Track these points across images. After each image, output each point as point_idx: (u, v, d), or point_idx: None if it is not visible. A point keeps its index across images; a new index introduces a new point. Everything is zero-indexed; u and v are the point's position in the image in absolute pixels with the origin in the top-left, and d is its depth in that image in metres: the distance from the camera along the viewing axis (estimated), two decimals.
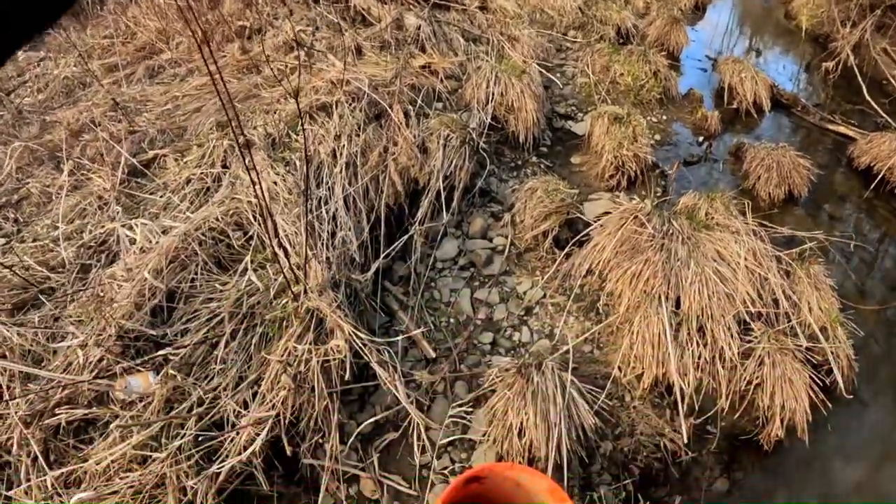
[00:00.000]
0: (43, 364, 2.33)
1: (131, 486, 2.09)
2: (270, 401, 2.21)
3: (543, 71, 4.49)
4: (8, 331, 2.35)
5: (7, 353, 2.32)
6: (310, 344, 2.28)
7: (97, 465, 2.10)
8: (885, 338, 3.46)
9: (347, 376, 2.33)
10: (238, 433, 2.18)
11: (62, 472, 2.10)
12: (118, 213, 2.76)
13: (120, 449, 2.10)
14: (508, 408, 2.33)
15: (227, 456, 2.15)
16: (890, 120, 4.75)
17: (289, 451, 2.23)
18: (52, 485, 2.09)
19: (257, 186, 1.96)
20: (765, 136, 4.80)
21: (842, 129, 4.88)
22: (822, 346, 2.88)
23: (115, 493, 2.09)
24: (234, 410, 2.21)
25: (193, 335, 2.40)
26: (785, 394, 2.74)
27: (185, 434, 2.15)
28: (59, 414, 2.18)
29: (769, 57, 6.51)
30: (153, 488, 2.12)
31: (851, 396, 2.98)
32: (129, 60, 4.24)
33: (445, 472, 2.39)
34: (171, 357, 2.32)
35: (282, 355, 2.26)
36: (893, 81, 5.32)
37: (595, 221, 3.02)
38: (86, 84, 4.13)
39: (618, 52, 4.98)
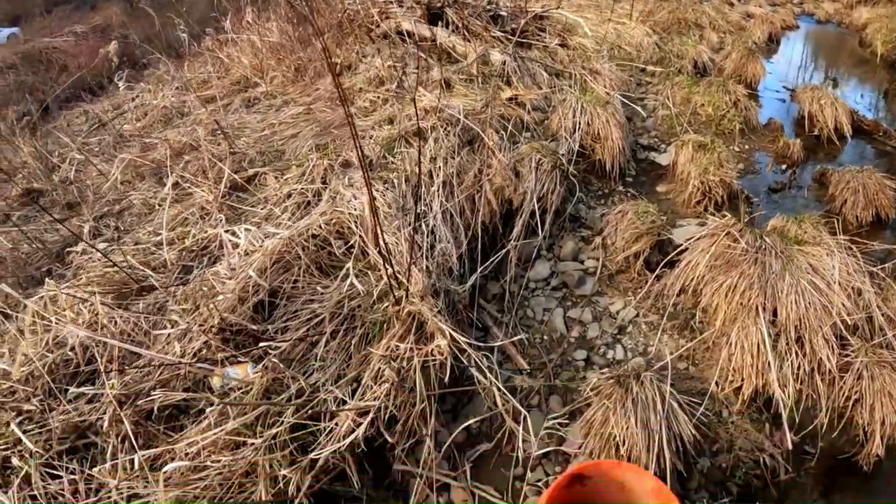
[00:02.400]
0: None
1: (220, 473, 2.09)
2: (372, 394, 2.27)
3: (626, 101, 4.56)
4: (112, 312, 2.44)
5: (109, 336, 2.39)
6: (411, 344, 2.34)
7: (189, 448, 2.12)
8: None
9: (447, 379, 2.37)
10: (337, 424, 2.23)
11: (150, 453, 2.11)
12: (221, 220, 2.89)
13: (213, 433, 2.11)
14: (607, 417, 2.34)
15: (322, 446, 2.19)
16: None
17: (389, 439, 2.25)
18: (140, 465, 2.08)
19: (367, 194, 2.06)
20: (847, 162, 4.70)
21: None
22: None
23: (203, 478, 2.09)
24: (334, 402, 2.26)
25: (294, 332, 2.49)
26: (885, 408, 2.66)
27: (281, 422, 2.16)
28: (153, 396, 2.21)
29: (846, 85, 6.43)
30: (243, 476, 2.12)
31: None
32: (225, 93, 4.51)
33: (539, 483, 2.38)
34: (271, 351, 2.38)
35: (384, 353, 2.33)
36: None
37: (685, 243, 3.03)
38: (184, 113, 4.39)
39: (697, 83, 5.02)
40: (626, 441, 2.28)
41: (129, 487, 2.09)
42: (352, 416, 2.23)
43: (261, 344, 2.44)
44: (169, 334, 2.43)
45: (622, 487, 2.00)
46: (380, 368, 2.32)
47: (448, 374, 2.37)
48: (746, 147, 4.77)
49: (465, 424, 2.41)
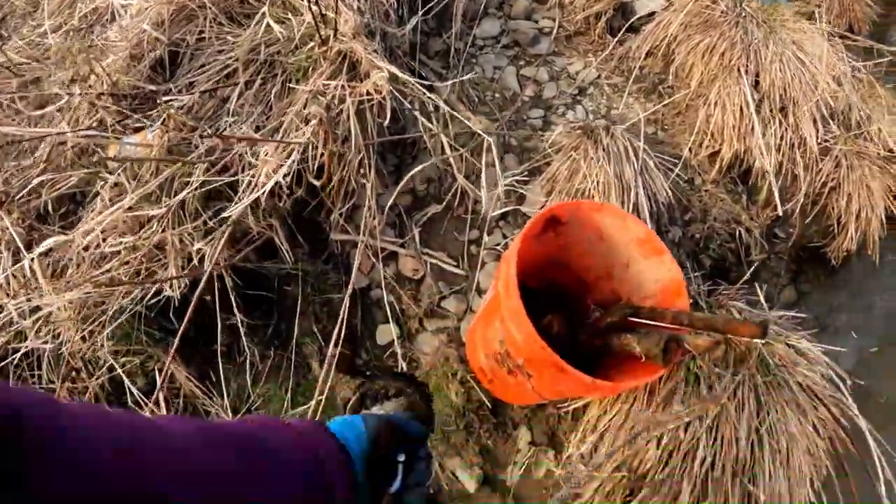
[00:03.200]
0: None
1: (125, 262, 1.78)
2: (298, 134, 1.86)
3: None
4: None
5: None
6: (343, 82, 1.92)
7: (84, 238, 1.77)
8: None
9: (387, 124, 1.97)
10: (254, 177, 1.83)
11: (40, 253, 1.77)
12: None
13: (110, 213, 1.75)
14: (574, 170, 2.02)
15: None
16: None
17: (315, 182, 1.87)
18: (31, 270, 1.78)
19: None
20: None
21: None
22: None
23: (105, 271, 1.77)
24: (251, 154, 1.86)
25: (201, 87, 2.06)
26: (861, 200, 2.46)
27: (190, 183, 1.79)
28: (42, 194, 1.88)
29: None
30: (150, 260, 1.80)
31: None
32: None
33: (498, 248, 2.08)
34: (173, 108, 1.95)
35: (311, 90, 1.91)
36: None
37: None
38: None
39: None
40: (598, 197, 1.98)
41: (27, 300, 1.77)
42: (273, 159, 1.83)
43: (162, 100, 1.99)
44: (50, 112, 2.03)
45: (601, 237, 1.66)
46: (307, 103, 1.90)
47: (388, 118, 1.97)
48: None
49: (409, 175, 2.03)
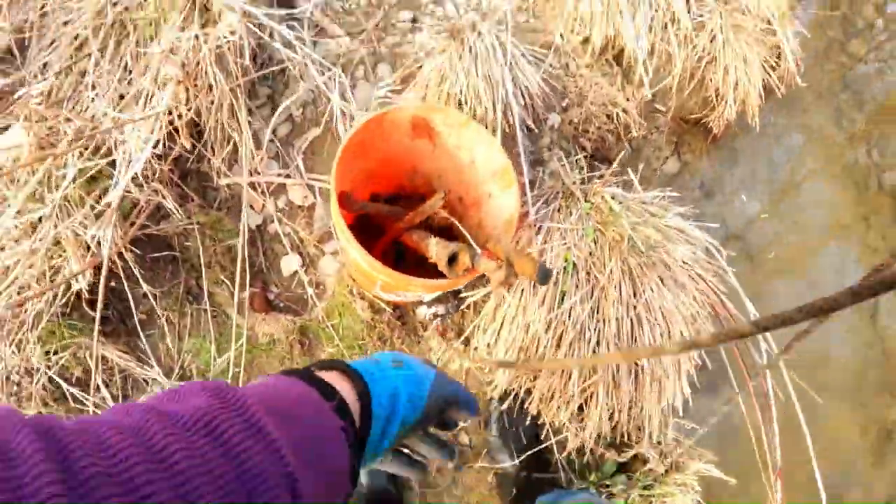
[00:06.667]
0: None
1: (29, 266, 1.77)
2: (158, 99, 1.82)
3: None
4: None
5: None
6: (196, 31, 1.85)
7: None
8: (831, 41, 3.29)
9: (249, 62, 1.94)
10: (124, 152, 1.80)
11: None
12: None
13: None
14: (443, 75, 2.02)
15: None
16: None
17: (187, 144, 1.87)
18: None
19: None
20: None
21: None
22: (775, 28, 2.64)
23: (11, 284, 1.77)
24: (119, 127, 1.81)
25: (55, 67, 1.95)
26: (738, 71, 2.53)
27: (65, 175, 1.77)
28: None
29: None
30: (51, 259, 1.80)
31: (806, 85, 2.83)
32: None
33: None
34: (33, 99, 1.88)
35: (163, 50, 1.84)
36: None
37: None
38: None
39: None
40: (469, 99, 1.99)
41: None
42: (145, 130, 1.79)
43: (17, 95, 1.90)
44: None
45: (473, 161, 1.68)
46: (159, 68, 1.84)
47: (249, 57, 1.93)
48: None
49: (283, 107, 2.01)
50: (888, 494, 2.64)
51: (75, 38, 1.97)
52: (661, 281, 1.91)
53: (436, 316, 2.08)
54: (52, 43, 2.01)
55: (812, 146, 3.00)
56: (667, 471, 1.97)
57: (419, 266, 1.67)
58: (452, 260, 1.31)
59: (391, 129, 1.59)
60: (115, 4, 1.95)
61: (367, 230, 1.85)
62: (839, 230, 2.90)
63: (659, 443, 2.01)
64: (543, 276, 1.11)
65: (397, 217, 1.70)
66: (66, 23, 2.00)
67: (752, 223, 2.82)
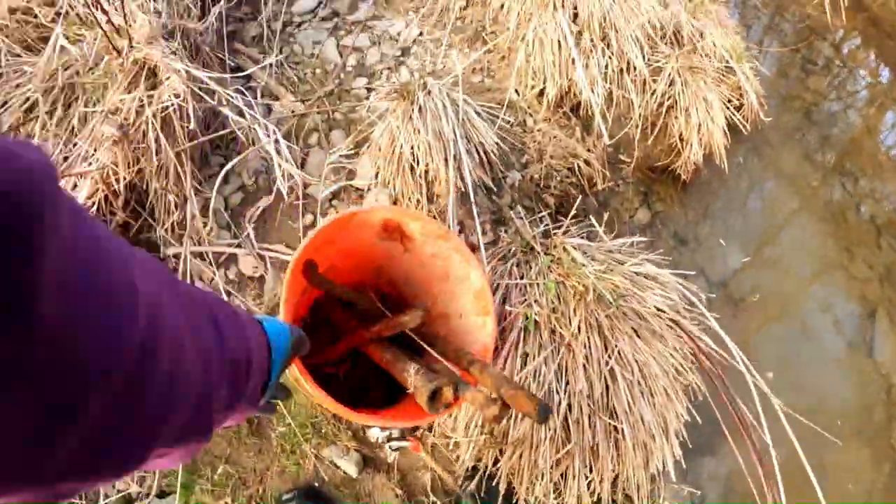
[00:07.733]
0: None
1: None
2: (93, 157, 1.76)
3: None
4: None
5: None
6: (141, 94, 1.82)
7: None
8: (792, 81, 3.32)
9: (195, 126, 1.89)
10: None
11: None
12: None
13: None
14: (393, 136, 1.97)
15: None
16: None
17: (120, 208, 1.80)
18: None
19: None
20: None
21: None
22: (733, 67, 2.64)
23: None
24: None
25: (3, 128, 1.92)
26: (700, 113, 2.51)
27: None
28: None
29: None
30: None
31: (773, 123, 2.81)
32: None
33: None
34: None
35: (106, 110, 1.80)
36: None
37: None
38: None
39: None
40: (421, 159, 1.94)
41: None
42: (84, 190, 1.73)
43: None
44: None
45: (447, 275, 1.52)
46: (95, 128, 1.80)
47: (198, 121, 1.89)
48: None
49: (224, 171, 1.95)
50: None
51: (26, 100, 1.94)
52: (636, 332, 1.81)
53: (390, 438, 1.96)
54: (4, 104, 1.97)
55: (785, 186, 2.96)
56: None
57: (376, 370, 1.47)
58: (434, 395, 1.11)
59: (359, 228, 1.45)
60: (66, 68, 1.93)
61: (322, 326, 1.68)
62: (822, 266, 2.82)
63: None
64: (544, 414, 0.98)
65: (363, 309, 1.51)
66: (17, 85, 1.98)
67: (731, 269, 2.74)
